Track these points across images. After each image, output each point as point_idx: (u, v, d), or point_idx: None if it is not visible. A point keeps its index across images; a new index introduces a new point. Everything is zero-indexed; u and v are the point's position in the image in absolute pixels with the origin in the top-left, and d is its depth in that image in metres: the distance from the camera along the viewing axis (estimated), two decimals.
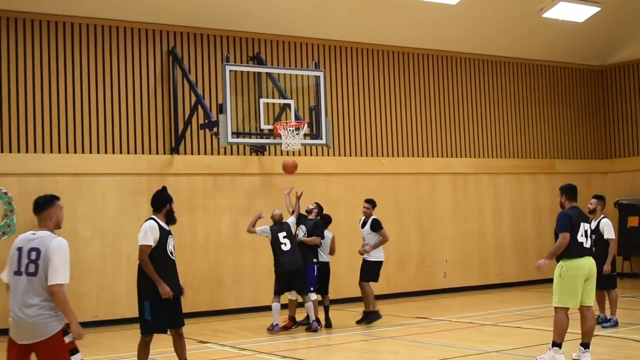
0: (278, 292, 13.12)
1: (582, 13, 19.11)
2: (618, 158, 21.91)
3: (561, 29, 19.61)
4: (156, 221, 8.54)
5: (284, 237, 12.94)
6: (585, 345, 9.25)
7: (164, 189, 8.98)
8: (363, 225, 13.81)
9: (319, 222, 13.53)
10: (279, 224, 13.17)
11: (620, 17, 19.66)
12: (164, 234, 8.50)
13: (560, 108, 21.61)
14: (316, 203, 13.92)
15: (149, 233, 8.43)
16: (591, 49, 21.34)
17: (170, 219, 8.71)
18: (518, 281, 19.84)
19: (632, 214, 20.04)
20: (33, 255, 6.08)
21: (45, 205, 6.34)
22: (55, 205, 6.38)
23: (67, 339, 6.03)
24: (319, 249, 13.45)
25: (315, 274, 13.24)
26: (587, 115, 22.10)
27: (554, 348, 9.17)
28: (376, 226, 13.63)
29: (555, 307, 9.21)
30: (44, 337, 5.97)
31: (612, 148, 22.14)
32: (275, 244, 12.98)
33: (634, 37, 20.95)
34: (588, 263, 9.25)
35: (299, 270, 12.90)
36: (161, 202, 8.67)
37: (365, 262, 13.68)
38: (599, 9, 18.86)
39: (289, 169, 13.97)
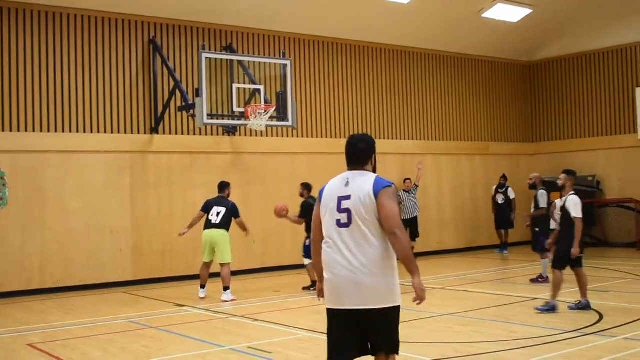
0: None
1: (516, 14, 19.71)
2: (543, 142, 22.82)
3: (497, 28, 20.24)
4: None
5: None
6: None
7: None
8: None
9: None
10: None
11: (547, 18, 20.37)
12: None
13: (495, 98, 22.40)
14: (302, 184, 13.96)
15: None
16: (521, 46, 22.11)
17: None
18: (456, 248, 20.58)
19: (555, 190, 20.75)
20: None
21: None
22: None
23: None
24: None
25: None
26: (517, 105, 22.94)
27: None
28: None
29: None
30: None
31: (538, 133, 23.08)
32: None
33: (557, 37, 21.83)
34: None
35: None
36: None
37: None
38: (531, 10, 19.53)
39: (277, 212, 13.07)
